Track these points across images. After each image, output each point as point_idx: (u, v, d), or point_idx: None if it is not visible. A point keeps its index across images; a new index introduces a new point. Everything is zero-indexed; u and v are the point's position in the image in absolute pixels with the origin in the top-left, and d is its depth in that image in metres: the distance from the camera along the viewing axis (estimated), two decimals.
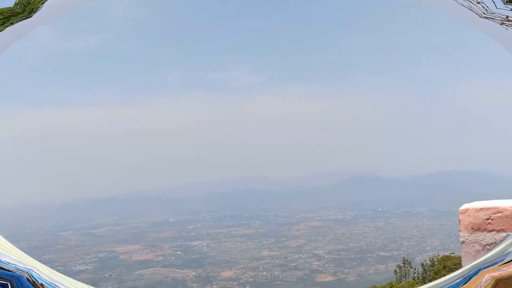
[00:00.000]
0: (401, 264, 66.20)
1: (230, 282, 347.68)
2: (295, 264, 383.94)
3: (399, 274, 65.20)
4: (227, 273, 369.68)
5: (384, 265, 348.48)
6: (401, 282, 57.84)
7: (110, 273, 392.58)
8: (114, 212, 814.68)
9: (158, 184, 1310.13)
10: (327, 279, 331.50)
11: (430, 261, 70.66)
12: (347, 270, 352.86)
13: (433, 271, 62.01)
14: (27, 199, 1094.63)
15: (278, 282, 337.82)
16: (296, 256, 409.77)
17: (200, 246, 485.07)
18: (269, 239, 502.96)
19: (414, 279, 62.77)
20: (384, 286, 49.03)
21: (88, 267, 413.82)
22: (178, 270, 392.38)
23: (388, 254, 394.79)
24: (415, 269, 68.64)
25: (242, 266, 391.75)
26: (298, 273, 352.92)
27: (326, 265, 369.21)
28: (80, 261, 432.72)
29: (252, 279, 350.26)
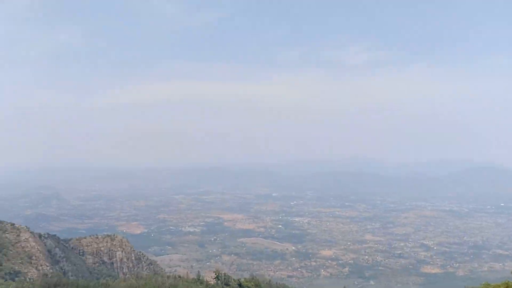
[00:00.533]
0: None
1: (329, 261, 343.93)
2: (399, 252, 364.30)
3: None
4: (327, 252, 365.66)
5: (501, 264, 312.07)
6: None
7: (215, 237, 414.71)
8: (222, 181, 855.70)
9: (266, 158, 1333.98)
10: (433, 271, 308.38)
11: None
12: (457, 264, 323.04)
13: None
14: (146, 163, 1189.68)
15: (380, 268, 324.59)
16: (402, 244, 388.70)
17: (301, 222, 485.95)
18: (373, 224, 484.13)
19: None
20: (499, 285, 42.28)
21: (196, 229, 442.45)
22: (278, 242, 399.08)
23: (507, 253, 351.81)
24: None
25: (343, 247, 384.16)
26: (403, 261, 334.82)
27: (434, 256, 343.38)
28: (190, 223, 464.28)
29: (352, 261, 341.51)
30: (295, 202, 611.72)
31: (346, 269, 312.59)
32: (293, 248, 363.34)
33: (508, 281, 48.92)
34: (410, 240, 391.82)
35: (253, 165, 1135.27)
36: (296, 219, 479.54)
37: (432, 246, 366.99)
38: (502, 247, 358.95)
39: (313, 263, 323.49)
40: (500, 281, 48.75)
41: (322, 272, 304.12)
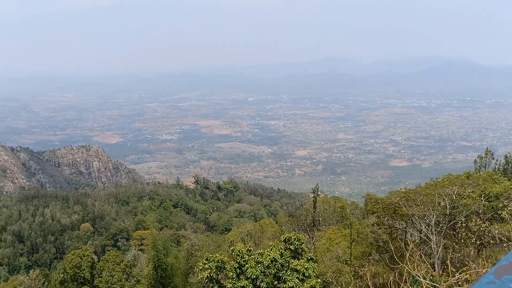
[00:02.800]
0: (483, 155, 58.53)
1: (303, 161, 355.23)
2: (370, 148, 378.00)
3: (478, 164, 58.26)
4: (301, 152, 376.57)
5: (464, 155, 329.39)
6: (479, 172, 51.04)
7: (192, 143, 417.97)
8: (197, 88, 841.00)
9: (240, 62, 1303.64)
10: (401, 164, 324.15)
11: None
12: (423, 156, 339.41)
13: None
14: (114, 70, 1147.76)
15: (351, 164, 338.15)
16: (372, 140, 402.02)
17: (276, 125, 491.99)
18: (346, 123, 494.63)
19: (494, 170, 55.44)
20: (461, 175, 42.87)
21: (173, 137, 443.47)
22: (254, 146, 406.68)
23: (470, 144, 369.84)
24: (497, 160, 60.56)
25: (316, 146, 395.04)
26: (372, 157, 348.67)
27: (402, 151, 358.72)
28: (166, 131, 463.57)
29: (325, 159, 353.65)
30: (270, 105, 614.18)
31: (319, 167, 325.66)
32: (269, 150, 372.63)
33: (470, 170, 50.20)
34: (380, 136, 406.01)
35: (227, 70, 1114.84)
36: (272, 122, 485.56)
37: (400, 141, 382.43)
38: (466, 139, 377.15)
39: (288, 163, 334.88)
40: (463, 171, 49.99)
41: (297, 171, 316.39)
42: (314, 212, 56.24)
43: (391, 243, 27.49)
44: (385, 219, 36.52)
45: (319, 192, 67.45)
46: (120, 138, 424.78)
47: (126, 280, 42.13)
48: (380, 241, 37.69)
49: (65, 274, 42.00)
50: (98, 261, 45.11)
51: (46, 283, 55.70)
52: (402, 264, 16.19)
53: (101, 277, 40.66)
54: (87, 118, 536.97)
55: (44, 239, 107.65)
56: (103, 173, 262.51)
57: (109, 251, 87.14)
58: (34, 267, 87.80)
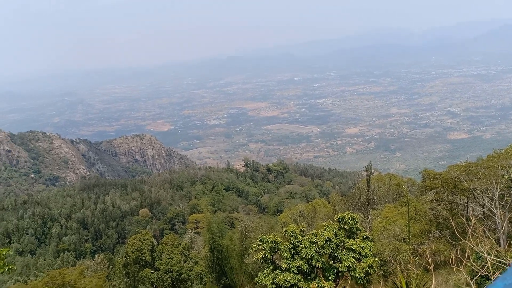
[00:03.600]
0: None
1: (354, 138, 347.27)
2: (425, 121, 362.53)
3: None
4: (352, 130, 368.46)
5: None
6: None
7: (240, 127, 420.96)
8: (242, 71, 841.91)
9: (285, 42, 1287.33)
10: (460, 137, 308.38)
11: None
12: (484, 127, 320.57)
13: None
14: (161, 59, 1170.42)
15: (406, 139, 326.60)
16: (428, 113, 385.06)
17: (325, 104, 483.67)
18: (399, 97, 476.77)
19: None
20: None
21: (221, 121, 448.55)
22: (303, 126, 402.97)
23: None
24: None
25: (368, 123, 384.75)
26: (429, 131, 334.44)
27: (461, 122, 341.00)
28: (214, 116, 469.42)
29: (377, 136, 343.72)
30: (317, 84, 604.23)
31: (372, 144, 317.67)
32: (318, 129, 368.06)
33: None
34: (436, 109, 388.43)
35: (271, 51, 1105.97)
36: (319, 101, 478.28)
37: (458, 113, 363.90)
38: None
39: (339, 142, 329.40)
40: None
41: (348, 149, 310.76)
42: (368, 191, 54.76)
43: (452, 219, 26.20)
44: (445, 194, 35.00)
45: (372, 170, 65.69)
46: (171, 125, 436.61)
47: (185, 262, 43.29)
48: (440, 217, 36.24)
49: (128, 257, 43.80)
50: (158, 245, 46.70)
51: (111, 266, 58.60)
52: (464, 241, 15.24)
53: (161, 260, 42.04)
54: (139, 108, 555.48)
55: (106, 225, 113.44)
56: (157, 160, 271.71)
57: (167, 234, 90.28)
58: (99, 252, 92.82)
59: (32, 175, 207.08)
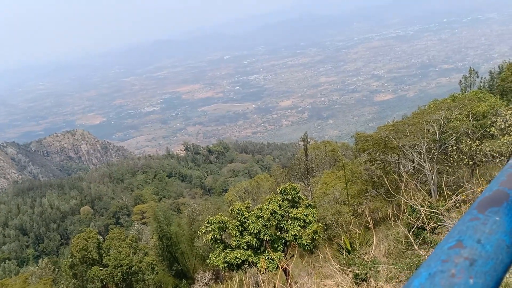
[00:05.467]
0: (467, 75, 58.58)
1: (289, 111, 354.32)
2: (353, 87, 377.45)
3: (464, 85, 58.55)
4: (285, 103, 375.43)
5: (447, 78, 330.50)
6: (465, 93, 51.32)
7: (176, 112, 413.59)
8: (170, 54, 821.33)
9: (209, 21, 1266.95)
10: (386, 98, 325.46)
11: (499, 68, 61.69)
12: (407, 87, 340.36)
13: (500, 78, 54.25)
14: (86, 50, 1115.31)
15: (336, 106, 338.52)
16: (354, 79, 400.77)
17: (257, 79, 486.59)
18: (326, 65, 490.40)
19: (479, 88, 55.73)
20: (446, 99, 43.05)
21: (155, 108, 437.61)
22: (238, 104, 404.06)
23: (452, 66, 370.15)
24: (481, 78, 60.76)
25: (300, 94, 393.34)
26: (357, 95, 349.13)
27: (386, 84, 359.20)
28: (148, 103, 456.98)
29: (310, 106, 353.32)
30: (248, 60, 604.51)
31: (305, 114, 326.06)
32: (253, 106, 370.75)
33: (455, 93, 50.46)
34: (362, 73, 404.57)
35: (198, 32, 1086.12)
36: (251, 78, 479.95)
37: (382, 75, 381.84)
38: (447, 62, 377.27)
39: (274, 116, 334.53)
40: (448, 94, 50.23)
41: (284, 122, 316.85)
42: (306, 160, 56.68)
43: (385, 177, 27.75)
44: (377, 154, 36.84)
45: (308, 139, 67.87)
46: (103, 117, 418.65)
47: (134, 254, 42.66)
48: (375, 176, 38.23)
49: (73, 258, 42.40)
50: (104, 241, 45.61)
51: (57, 269, 56.40)
52: (398, 196, 16.32)
53: (109, 255, 41.08)
54: (66, 102, 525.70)
55: (47, 228, 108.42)
56: (92, 155, 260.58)
57: (112, 229, 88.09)
58: (42, 257, 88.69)
59: None
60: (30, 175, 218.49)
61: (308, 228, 23.63)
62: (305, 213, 23.63)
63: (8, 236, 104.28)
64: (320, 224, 25.27)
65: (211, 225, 23.39)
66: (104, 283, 40.61)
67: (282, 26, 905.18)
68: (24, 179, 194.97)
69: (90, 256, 41.04)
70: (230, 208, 24.60)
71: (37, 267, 59.90)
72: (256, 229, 22.59)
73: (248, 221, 23.01)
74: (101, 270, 40.02)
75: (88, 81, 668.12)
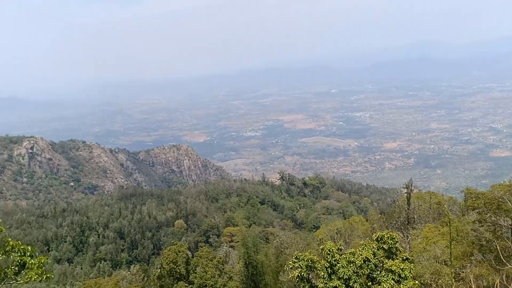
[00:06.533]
0: None
1: (393, 154, 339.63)
2: (467, 138, 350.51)
3: None
4: (391, 145, 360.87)
5: None
6: None
7: (276, 139, 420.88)
8: (279, 82, 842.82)
9: (319, 54, 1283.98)
10: (503, 154, 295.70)
11: None
12: None
13: None
14: (200, 71, 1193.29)
15: (447, 156, 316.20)
16: (469, 129, 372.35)
17: (362, 117, 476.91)
18: (439, 111, 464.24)
19: None
20: None
21: (257, 133, 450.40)
22: (340, 139, 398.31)
23: None
24: None
25: (407, 138, 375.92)
26: (470, 147, 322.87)
27: (504, 140, 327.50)
28: (250, 128, 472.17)
29: (417, 152, 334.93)
30: (355, 97, 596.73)
31: (411, 160, 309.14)
32: (356, 143, 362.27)
33: None
34: (478, 124, 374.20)
35: (308, 62, 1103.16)
36: (357, 114, 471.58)
37: (501, 129, 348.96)
38: None
39: (377, 157, 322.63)
40: None
41: (387, 165, 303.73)
42: (408, 209, 53.02)
43: (496, 241, 24.79)
44: (488, 215, 33.49)
45: (412, 188, 63.71)
46: (207, 136, 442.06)
47: (219, 276, 43.09)
48: (483, 239, 34.59)
49: (162, 269, 44.10)
50: (192, 257, 46.88)
51: (146, 278, 59.27)
52: (509, 266, 14.38)
53: (195, 273, 42.02)
54: (177, 118, 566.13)
55: (142, 236, 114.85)
56: (193, 171, 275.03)
57: (202, 247, 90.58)
58: (134, 263, 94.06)
59: (72, 184, 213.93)
60: (134, 182, 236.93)
61: (402, 284, 21.81)
62: (402, 267, 21.87)
63: (107, 237, 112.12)
64: (416, 282, 23.17)
65: (299, 262, 22.69)
66: None
67: (396, 64, 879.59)
68: (129, 185, 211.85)
69: (178, 270, 42.33)
70: (321, 247, 23.70)
71: (129, 272, 63.58)
72: (347, 274, 21.39)
73: (338, 265, 21.93)
74: (187, 286, 40.89)
75: (199, 100, 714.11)
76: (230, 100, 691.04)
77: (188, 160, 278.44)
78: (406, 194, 57.76)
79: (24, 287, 73.85)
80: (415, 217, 53.11)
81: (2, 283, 13.16)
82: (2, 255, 12.51)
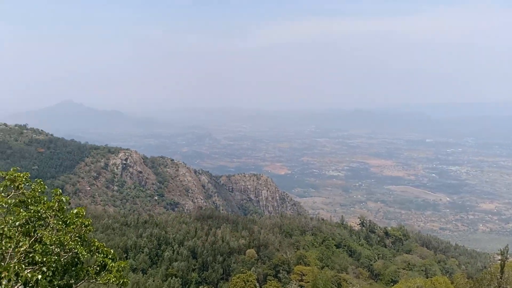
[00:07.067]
0: None
1: (489, 216, 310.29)
2: None
3: None
4: (487, 205, 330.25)
5: None
6: None
7: (360, 183, 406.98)
8: (368, 125, 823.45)
9: (418, 100, 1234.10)
10: None
11: None
12: None
13: None
14: (287, 105, 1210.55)
15: None
16: None
17: (458, 172, 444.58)
18: None
19: None
20: None
21: (340, 173, 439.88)
22: (430, 192, 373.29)
23: None
24: None
25: (507, 201, 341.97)
26: None
27: None
28: (333, 167, 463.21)
29: None
30: (452, 149, 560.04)
31: (510, 225, 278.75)
32: (448, 199, 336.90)
33: None
34: None
35: (402, 107, 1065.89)
36: (452, 168, 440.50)
37: None
38: None
39: (470, 217, 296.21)
40: None
41: (481, 226, 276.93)
42: (501, 278, 46.67)
43: None
44: None
45: (508, 255, 56.54)
46: (288, 170, 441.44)
47: None
48: None
49: None
50: None
51: None
52: None
53: None
54: (260, 148, 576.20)
55: (214, 259, 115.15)
56: (270, 202, 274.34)
57: (270, 280, 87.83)
58: (203, 284, 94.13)
59: (156, 198, 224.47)
60: (213, 204, 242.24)
61: None
62: None
63: (180, 254, 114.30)
64: None
65: None
66: None
67: (501, 121, 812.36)
68: (207, 207, 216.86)
69: None
70: None
71: None
72: None
73: None
74: None
75: (284, 133, 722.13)
76: (315, 136, 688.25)
77: (267, 191, 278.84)
78: (500, 261, 51.13)
79: None
80: (508, 287, 46.38)
81: (83, 281, 13.77)
82: (87, 253, 13.19)
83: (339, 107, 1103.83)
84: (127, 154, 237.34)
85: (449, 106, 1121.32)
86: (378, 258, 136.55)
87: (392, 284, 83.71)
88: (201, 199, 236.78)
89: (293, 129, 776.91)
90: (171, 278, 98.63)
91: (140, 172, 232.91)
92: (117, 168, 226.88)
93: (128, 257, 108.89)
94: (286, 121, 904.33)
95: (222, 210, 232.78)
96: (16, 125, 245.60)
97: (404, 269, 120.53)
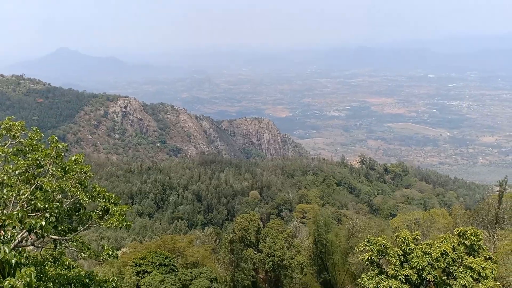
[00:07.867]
0: None
1: (489, 148, 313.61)
2: None
3: None
4: (487, 139, 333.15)
5: None
6: None
7: (360, 122, 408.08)
8: (371, 63, 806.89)
9: (419, 35, 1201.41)
10: None
11: None
12: None
13: None
14: (288, 45, 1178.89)
15: None
16: None
17: (459, 106, 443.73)
18: None
19: None
20: None
21: (341, 113, 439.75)
22: (430, 128, 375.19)
23: None
24: None
25: (507, 133, 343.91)
26: None
27: None
28: (334, 108, 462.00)
29: None
30: (454, 84, 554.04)
31: (510, 157, 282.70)
32: (448, 134, 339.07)
33: None
34: None
35: (405, 43, 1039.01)
36: (453, 103, 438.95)
37: None
38: None
39: (470, 150, 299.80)
40: None
41: (480, 159, 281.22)
42: (499, 208, 48.45)
43: None
44: None
45: (507, 186, 58.17)
46: (289, 112, 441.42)
47: (288, 249, 43.49)
48: None
49: (234, 235, 45.38)
50: (263, 227, 47.61)
51: (218, 240, 61.59)
52: None
53: (265, 242, 42.77)
54: (261, 91, 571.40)
55: (218, 201, 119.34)
56: (272, 145, 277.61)
57: (273, 219, 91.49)
58: (208, 225, 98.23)
59: (158, 144, 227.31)
60: (215, 149, 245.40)
61: (481, 283, 19.91)
62: (483, 265, 19.96)
63: (185, 198, 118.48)
64: (498, 283, 21.03)
65: (370, 245, 21.73)
66: (256, 266, 42.47)
67: (505, 54, 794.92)
68: (210, 152, 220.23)
69: (248, 238, 43.35)
70: (395, 234, 22.44)
71: (203, 233, 66.75)
72: (420, 265, 20.04)
73: (412, 254, 20.60)
74: (255, 254, 41.91)
75: (284, 75, 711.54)
76: (316, 77, 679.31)
77: (268, 134, 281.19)
78: (498, 192, 52.66)
79: (108, 233, 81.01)
80: (505, 217, 48.26)
81: (87, 225, 14.36)
82: (89, 199, 13.49)
83: (344, 46, 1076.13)
84: (126, 101, 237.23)
85: (454, 40, 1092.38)
86: (377, 194, 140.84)
87: (391, 218, 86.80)
88: (204, 145, 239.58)
89: (294, 70, 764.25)
90: (177, 221, 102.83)
91: (141, 119, 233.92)
92: (117, 116, 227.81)
93: (134, 203, 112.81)
94: (287, 62, 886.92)
95: (225, 154, 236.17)
96: (13, 76, 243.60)
97: (403, 203, 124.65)
